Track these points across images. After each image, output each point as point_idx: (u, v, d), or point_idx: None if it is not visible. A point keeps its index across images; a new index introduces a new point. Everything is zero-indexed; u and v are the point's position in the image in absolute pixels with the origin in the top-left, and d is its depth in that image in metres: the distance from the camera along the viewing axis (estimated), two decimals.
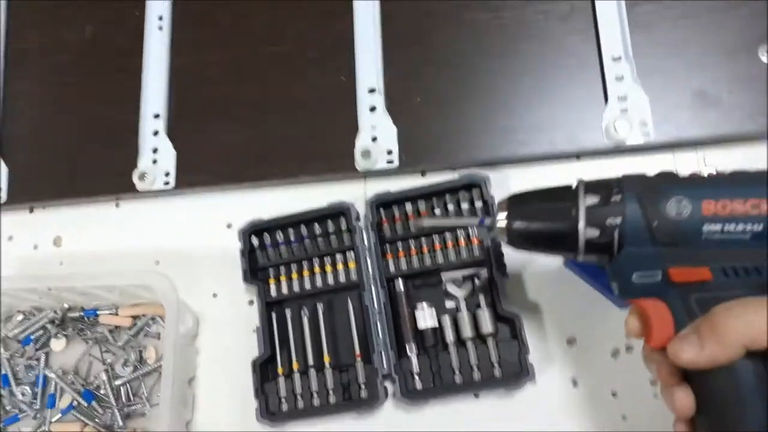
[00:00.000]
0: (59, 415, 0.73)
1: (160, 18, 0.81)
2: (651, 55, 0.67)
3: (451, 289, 0.66)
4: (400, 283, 0.67)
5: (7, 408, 0.75)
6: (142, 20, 0.81)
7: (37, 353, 0.75)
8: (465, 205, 0.67)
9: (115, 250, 0.78)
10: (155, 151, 0.77)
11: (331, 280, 0.69)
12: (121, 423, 0.70)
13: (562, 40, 0.70)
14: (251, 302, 0.72)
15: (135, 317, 0.74)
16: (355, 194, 0.72)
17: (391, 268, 0.68)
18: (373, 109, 0.72)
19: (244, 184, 0.75)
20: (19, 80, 0.85)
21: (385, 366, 0.65)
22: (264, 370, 0.67)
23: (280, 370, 0.67)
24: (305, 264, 0.70)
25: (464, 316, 0.64)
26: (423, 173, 0.72)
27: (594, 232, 0.46)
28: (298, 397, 0.66)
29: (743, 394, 0.42)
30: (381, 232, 0.68)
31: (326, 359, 0.67)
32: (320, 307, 0.69)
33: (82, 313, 0.75)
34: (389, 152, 0.71)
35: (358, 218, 0.69)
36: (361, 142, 0.71)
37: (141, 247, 0.77)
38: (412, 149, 0.71)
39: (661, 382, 0.47)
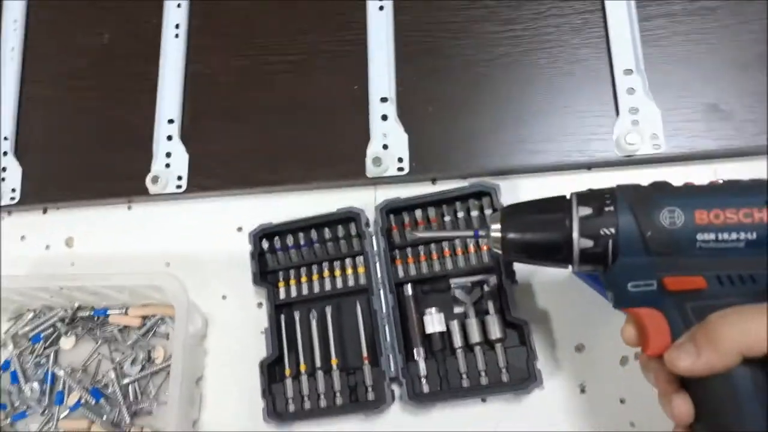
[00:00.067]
0: (67, 411, 0.73)
1: (177, 26, 0.82)
2: (663, 69, 0.68)
3: (460, 295, 0.66)
4: (408, 288, 0.67)
5: (16, 404, 0.75)
6: (158, 27, 0.83)
7: (46, 351, 0.76)
8: (475, 213, 0.67)
9: (126, 252, 0.79)
10: (168, 155, 0.78)
11: (340, 284, 0.69)
12: (128, 421, 0.71)
13: (574, 53, 0.70)
14: (260, 305, 0.73)
15: (144, 317, 0.75)
16: (366, 201, 0.72)
17: (400, 273, 0.68)
18: (384, 117, 0.73)
19: (255, 189, 0.76)
20: (35, 84, 0.86)
21: (392, 369, 0.65)
22: (271, 371, 0.68)
23: (287, 371, 0.68)
24: (314, 268, 0.71)
25: (472, 322, 0.65)
26: (433, 181, 0.72)
27: (588, 243, 0.46)
28: (305, 398, 0.67)
29: (741, 401, 0.42)
30: (390, 238, 0.69)
31: (334, 362, 0.67)
32: (329, 311, 0.69)
33: (92, 313, 0.76)
34: (400, 160, 0.72)
35: (367, 224, 0.70)
36: (373, 149, 0.72)
37: (152, 249, 0.78)
38: (422, 157, 0.71)
39: (659, 390, 0.47)
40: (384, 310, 0.67)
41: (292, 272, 0.71)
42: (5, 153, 0.83)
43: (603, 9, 0.71)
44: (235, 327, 0.73)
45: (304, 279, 0.70)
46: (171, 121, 0.79)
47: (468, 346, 0.65)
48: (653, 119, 0.66)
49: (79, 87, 0.84)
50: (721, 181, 0.47)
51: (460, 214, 0.68)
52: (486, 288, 0.66)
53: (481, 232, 0.52)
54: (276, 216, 0.72)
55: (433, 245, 0.68)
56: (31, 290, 0.73)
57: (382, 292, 0.67)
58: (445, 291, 0.67)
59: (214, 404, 0.71)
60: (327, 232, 0.70)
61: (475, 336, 0.64)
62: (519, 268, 0.65)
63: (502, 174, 0.70)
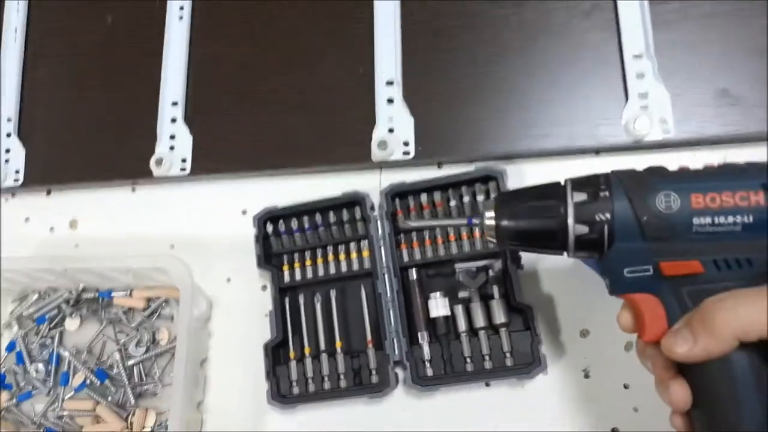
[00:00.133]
0: (72, 392, 0.74)
1: (181, 8, 0.82)
2: (673, 53, 0.67)
3: (465, 279, 0.66)
4: (413, 272, 0.67)
5: (21, 385, 0.76)
6: (162, 9, 0.82)
7: (51, 332, 0.76)
8: (481, 198, 0.67)
9: (131, 234, 0.79)
10: (173, 137, 0.78)
11: (344, 267, 0.69)
12: (133, 402, 0.71)
13: (583, 37, 0.70)
14: (264, 287, 0.73)
15: (149, 299, 0.75)
16: (371, 185, 0.72)
17: (405, 257, 0.68)
18: (390, 100, 0.72)
19: (260, 172, 0.76)
20: (39, 65, 0.86)
21: (396, 353, 0.65)
22: (276, 354, 0.68)
23: (291, 354, 0.68)
24: (319, 251, 0.70)
25: (477, 306, 0.65)
26: (439, 165, 0.72)
27: (583, 229, 0.46)
28: (309, 381, 0.67)
29: (738, 386, 0.42)
30: (395, 222, 0.69)
31: (338, 345, 0.67)
32: (333, 294, 0.69)
33: (96, 295, 0.76)
34: (406, 143, 0.71)
35: (372, 208, 0.69)
36: (378, 133, 0.72)
37: (156, 231, 0.78)
38: (428, 141, 0.71)
39: (655, 376, 0.47)
40: (388, 294, 0.67)
41: (296, 255, 0.71)
42: (9, 134, 0.83)
43: None
44: (240, 310, 0.73)
45: (308, 262, 0.70)
46: (175, 104, 0.79)
47: (472, 331, 0.65)
48: (663, 104, 0.66)
49: (83, 68, 0.84)
50: (716, 165, 0.46)
51: (466, 199, 0.68)
52: (491, 273, 0.65)
53: (475, 220, 0.51)
54: (281, 199, 0.72)
55: (438, 229, 0.68)
56: (36, 272, 0.73)
57: (386, 276, 0.67)
58: (449, 275, 0.67)
59: (219, 386, 0.71)
60: (332, 216, 0.69)
61: (480, 320, 0.64)
62: (524, 252, 0.65)
63: (508, 158, 0.69)
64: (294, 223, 0.70)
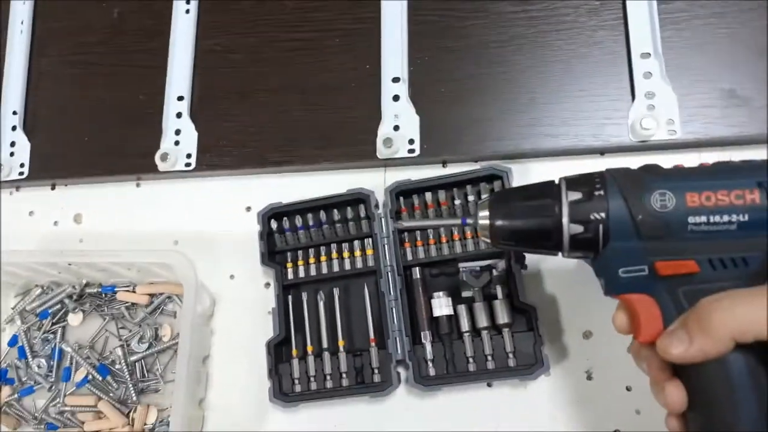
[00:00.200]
0: (74, 388, 0.73)
1: (188, 2, 0.81)
2: (681, 53, 0.67)
3: (468, 278, 0.65)
4: (417, 271, 0.67)
5: (23, 379, 0.76)
6: (168, 3, 0.82)
7: (53, 327, 0.76)
8: (485, 197, 0.67)
9: (134, 230, 0.78)
10: (178, 132, 0.78)
11: (348, 265, 0.69)
12: (134, 398, 0.71)
13: (591, 35, 0.69)
14: (268, 285, 0.72)
15: (152, 295, 0.75)
16: (376, 182, 0.72)
17: (409, 256, 0.68)
18: (396, 98, 0.72)
19: (264, 168, 0.75)
20: (45, 58, 0.86)
21: (399, 352, 0.65)
22: (278, 352, 0.68)
23: (294, 351, 0.68)
24: (323, 249, 0.70)
25: (480, 306, 0.64)
26: (444, 164, 0.72)
27: (578, 228, 0.45)
28: (312, 379, 0.67)
29: (735, 387, 0.42)
30: (400, 220, 0.68)
31: (340, 343, 0.67)
32: (336, 292, 0.69)
33: (100, 289, 0.76)
34: (411, 141, 0.71)
35: (377, 206, 0.69)
36: (383, 130, 0.71)
37: (160, 227, 0.78)
38: (434, 139, 0.71)
39: (651, 378, 0.47)
40: (392, 293, 0.66)
41: (300, 253, 0.71)
42: (14, 127, 0.83)
43: None
44: (243, 307, 0.73)
45: (312, 260, 0.70)
46: (181, 98, 0.78)
47: (475, 331, 0.65)
48: (670, 104, 0.65)
49: (88, 62, 0.84)
50: (711, 163, 0.46)
51: (471, 198, 0.67)
52: (495, 272, 0.65)
53: (469, 220, 0.51)
54: (285, 196, 0.71)
55: (442, 228, 0.67)
56: (39, 266, 0.73)
57: (390, 274, 0.67)
58: (453, 275, 0.67)
59: (221, 383, 0.71)
60: (336, 214, 0.69)
61: (483, 320, 0.64)
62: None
63: (514, 158, 0.69)
64: (298, 221, 0.70)
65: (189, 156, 0.77)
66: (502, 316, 0.63)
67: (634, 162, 0.65)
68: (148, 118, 0.79)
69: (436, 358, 0.65)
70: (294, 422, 0.68)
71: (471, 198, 0.67)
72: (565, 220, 0.46)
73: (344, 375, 0.66)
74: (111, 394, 0.72)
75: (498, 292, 0.64)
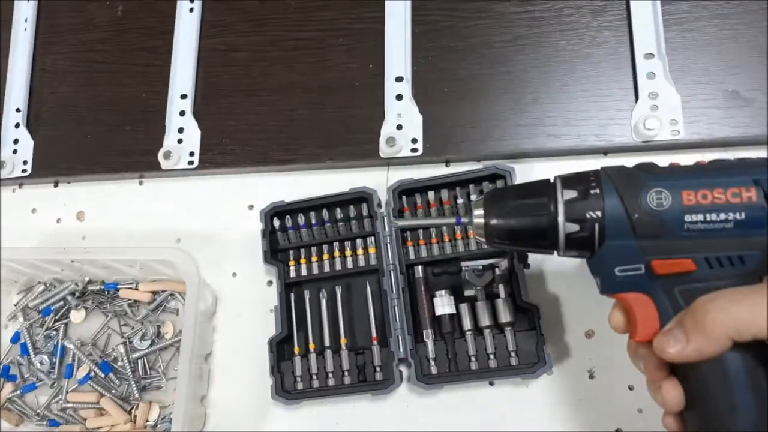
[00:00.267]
0: (76, 384, 0.74)
1: (192, 0, 0.81)
2: (684, 54, 0.67)
3: (471, 277, 0.65)
4: (419, 270, 0.67)
5: (26, 376, 0.76)
6: (172, 1, 0.82)
7: (56, 324, 0.76)
8: (480, 195, 0.67)
9: (137, 227, 0.78)
10: (181, 130, 0.78)
11: (350, 264, 0.69)
12: (137, 395, 0.71)
13: (595, 35, 0.69)
14: (270, 283, 0.72)
15: (154, 293, 0.75)
16: (378, 181, 0.72)
17: (411, 255, 0.68)
18: (399, 97, 0.72)
19: (267, 167, 0.76)
20: (49, 56, 0.86)
21: (401, 350, 0.65)
22: (280, 349, 0.68)
23: (296, 349, 0.68)
24: (325, 247, 0.70)
25: (482, 305, 0.64)
26: (447, 163, 0.72)
27: (574, 227, 0.45)
28: (314, 377, 0.67)
29: (731, 386, 0.42)
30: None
31: (343, 341, 0.67)
32: (339, 290, 0.69)
33: (102, 287, 0.76)
34: (414, 140, 0.71)
35: (379, 204, 0.69)
36: (387, 129, 0.72)
37: (162, 224, 0.78)
38: (437, 138, 0.71)
39: (647, 377, 0.46)
40: (394, 291, 0.66)
41: (302, 251, 0.71)
42: (17, 125, 0.83)
43: None
44: (245, 304, 0.73)
45: (314, 258, 0.70)
46: (184, 96, 0.78)
47: (477, 329, 0.65)
48: (673, 105, 0.65)
49: (92, 60, 0.84)
50: (707, 161, 0.45)
51: (474, 197, 0.67)
52: (497, 271, 0.65)
53: (464, 219, 0.51)
54: (288, 194, 0.72)
55: (444, 227, 0.67)
56: (42, 263, 0.73)
57: (392, 273, 0.67)
58: (455, 273, 0.67)
59: (223, 381, 0.71)
60: (338, 212, 0.69)
61: (485, 319, 0.64)
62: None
63: (516, 157, 0.69)
64: (301, 219, 0.70)
65: (192, 154, 0.77)
66: (505, 315, 0.63)
67: (637, 162, 0.66)
68: (151, 116, 0.79)
69: (438, 357, 0.65)
70: (296, 420, 0.68)
71: (474, 197, 0.67)
72: (560, 218, 0.45)
73: (346, 373, 0.66)
74: (113, 391, 0.72)
75: (500, 291, 0.64)
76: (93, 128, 0.81)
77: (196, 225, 0.77)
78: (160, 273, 0.74)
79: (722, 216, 0.43)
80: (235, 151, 0.76)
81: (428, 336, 0.65)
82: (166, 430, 0.70)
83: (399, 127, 0.71)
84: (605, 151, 0.68)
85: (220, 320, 0.73)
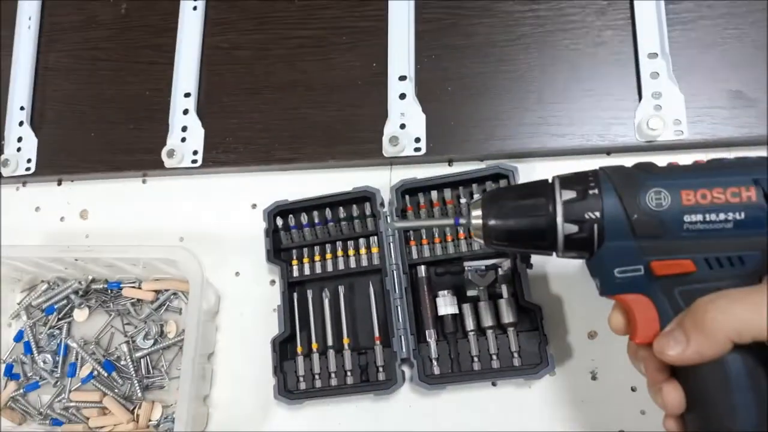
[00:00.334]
0: (79, 383, 0.74)
1: None
2: (688, 53, 0.66)
3: (473, 277, 0.65)
4: (422, 270, 0.67)
5: (29, 375, 0.76)
6: (175, 0, 0.82)
7: (59, 322, 0.76)
8: (478, 196, 0.66)
9: (140, 226, 0.79)
10: (184, 129, 0.78)
11: (353, 263, 0.69)
12: (140, 394, 0.71)
13: (598, 35, 0.69)
14: (273, 282, 0.73)
15: (158, 291, 0.75)
16: (382, 180, 0.72)
17: (414, 254, 0.68)
18: (403, 96, 0.72)
19: (270, 166, 0.75)
20: (52, 55, 0.86)
21: (404, 350, 0.65)
22: (283, 349, 0.68)
23: (299, 349, 0.68)
24: (328, 247, 0.70)
25: (485, 305, 0.64)
26: (450, 162, 0.71)
27: (572, 228, 0.45)
28: (316, 377, 0.67)
29: (733, 388, 0.41)
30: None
31: (345, 341, 0.67)
32: (342, 290, 0.69)
33: (105, 285, 0.76)
34: (417, 140, 0.71)
35: (382, 204, 0.69)
36: (390, 128, 0.71)
37: (166, 223, 0.78)
38: (440, 138, 0.71)
39: (648, 379, 0.46)
40: (397, 291, 0.66)
41: (305, 250, 0.71)
42: (21, 123, 0.83)
43: None
44: (248, 304, 0.73)
45: (317, 258, 0.70)
46: (188, 95, 0.78)
47: (480, 330, 0.65)
48: (676, 105, 0.65)
49: (95, 58, 0.84)
50: (705, 160, 0.45)
51: (477, 197, 0.67)
52: (500, 272, 0.65)
53: (462, 220, 0.50)
54: (291, 194, 0.71)
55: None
56: (46, 261, 0.73)
57: (395, 272, 0.67)
58: (458, 273, 0.66)
59: (226, 380, 0.71)
60: (341, 211, 0.69)
61: (488, 319, 0.64)
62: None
63: (520, 157, 0.69)
64: (304, 218, 0.70)
65: (195, 153, 0.77)
66: (507, 316, 0.63)
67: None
68: (154, 114, 0.79)
69: (440, 357, 0.65)
70: (298, 420, 0.68)
71: (477, 197, 0.67)
72: (559, 219, 0.45)
73: (349, 373, 0.66)
74: (116, 390, 0.72)
75: (503, 292, 0.64)
76: (96, 126, 0.81)
77: (200, 224, 0.77)
78: (164, 272, 0.74)
79: (722, 216, 0.43)
80: (239, 150, 0.76)
81: (431, 336, 0.65)
82: (169, 429, 0.70)
83: (402, 126, 0.71)
84: (608, 151, 0.68)
85: (223, 319, 0.73)
